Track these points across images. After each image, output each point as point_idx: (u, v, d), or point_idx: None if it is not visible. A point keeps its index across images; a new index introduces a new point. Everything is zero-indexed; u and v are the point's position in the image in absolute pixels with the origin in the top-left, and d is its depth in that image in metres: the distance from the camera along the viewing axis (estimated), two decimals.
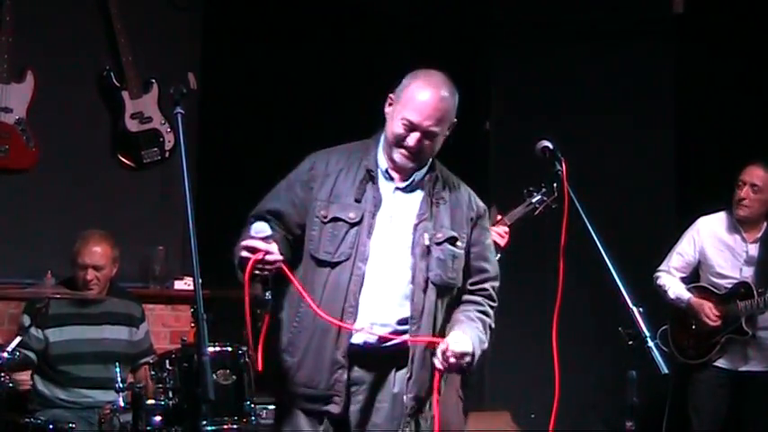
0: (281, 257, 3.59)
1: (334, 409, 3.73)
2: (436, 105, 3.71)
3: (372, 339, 3.73)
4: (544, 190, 5.45)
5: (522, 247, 5.69)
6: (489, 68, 8.04)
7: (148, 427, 5.00)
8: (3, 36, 6.27)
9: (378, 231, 3.76)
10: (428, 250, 3.76)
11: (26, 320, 5.56)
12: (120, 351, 5.76)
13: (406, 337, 3.72)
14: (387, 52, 7.35)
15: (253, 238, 3.60)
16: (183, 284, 6.86)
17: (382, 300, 3.74)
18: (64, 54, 6.64)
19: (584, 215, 3.74)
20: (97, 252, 5.76)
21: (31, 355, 5.57)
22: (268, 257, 3.56)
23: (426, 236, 3.77)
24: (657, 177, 7.66)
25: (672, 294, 6.22)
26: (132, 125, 6.83)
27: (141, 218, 6.87)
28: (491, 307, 3.93)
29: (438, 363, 3.67)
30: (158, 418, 5.03)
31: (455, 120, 3.81)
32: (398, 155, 3.77)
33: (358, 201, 3.78)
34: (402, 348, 3.74)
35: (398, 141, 3.75)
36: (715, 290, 6.15)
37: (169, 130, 6.89)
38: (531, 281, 6.19)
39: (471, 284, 3.92)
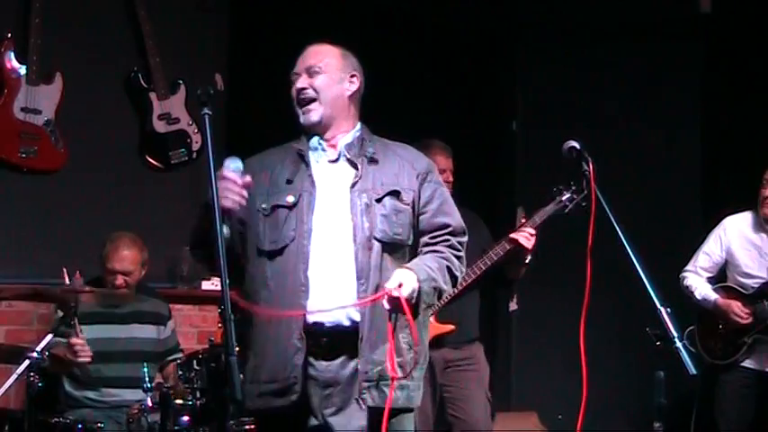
0: (245, 194, 3.62)
1: (294, 397, 3.66)
2: (314, 48, 3.94)
3: (324, 319, 3.67)
4: (574, 188, 5.44)
5: (549, 248, 5.69)
6: (516, 69, 8.03)
7: (176, 427, 5.02)
8: (31, 38, 6.31)
9: (318, 206, 3.75)
10: (368, 208, 3.74)
11: (59, 313, 5.57)
12: (148, 350, 5.79)
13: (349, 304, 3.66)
14: (414, 53, 7.36)
15: (226, 175, 3.62)
16: (211, 285, 6.87)
17: (333, 273, 3.70)
18: (92, 56, 6.67)
19: (611, 215, 3.74)
20: (127, 258, 5.78)
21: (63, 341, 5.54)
22: (235, 188, 3.60)
23: (364, 195, 3.75)
24: (684, 177, 7.63)
25: (698, 295, 6.20)
26: (160, 126, 6.85)
27: (169, 218, 6.88)
28: (453, 254, 3.82)
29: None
30: (186, 418, 5.04)
31: (353, 73, 3.94)
32: (300, 112, 3.92)
33: (290, 182, 3.81)
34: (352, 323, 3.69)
35: (295, 98, 3.92)
36: (742, 290, 6.12)
37: (196, 131, 6.91)
38: (559, 281, 6.20)
39: (431, 237, 3.84)
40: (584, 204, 3.74)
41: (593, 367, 3.69)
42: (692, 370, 3.54)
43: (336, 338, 3.69)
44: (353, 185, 3.77)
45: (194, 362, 5.15)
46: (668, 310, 3.62)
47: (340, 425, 3.67)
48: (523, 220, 5.54)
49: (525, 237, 5.41)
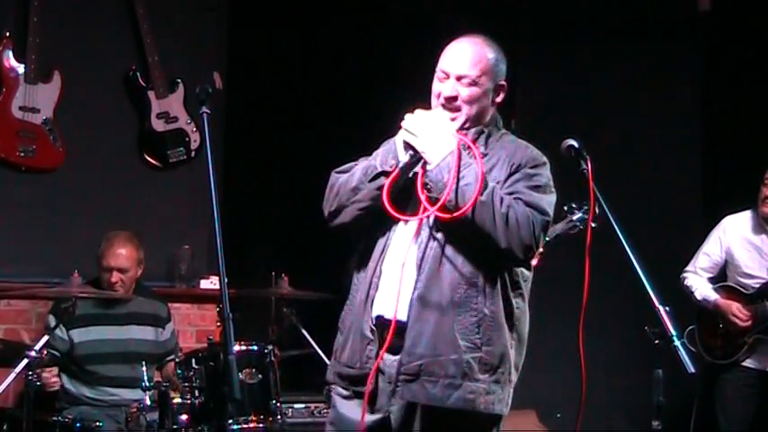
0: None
1: (364, 388, 3.56)
2: (469, 51, 3.64)
3: (385, 313, 3.57)
4: (585, 208, 5.32)
5: (548, 247, 5.68)
6: (514, 67, 8.02)
7: (175, 426, 5.02)
8: (30, 37, 6.31)
9: (414, 202, 3.60)
10: None
11: (52, 321, 5.59)
12: (146, 351, 5.78)
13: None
14: (414, 51, 7.35)
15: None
16: (209, 283, 6.88)
17: (399, 267, 3.58)
18: (90, 54, 6.68)
19: (610, 214, 3.73)
20: (122, 255, 5.78)
21: (57, 354, 5.59)
22: None
23: None
24: (684, 176, 7.62)
25: (699, 295, 6.20)
26: (158, 125, 6.85)
27: (167, 217, 6.89)
28: (526, 216, 3.47)
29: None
30: (185, 417, 5.04)
31: (502, 82, 3.72)
32: (441, 111, 3.65)
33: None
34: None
35: (437, 95, 3.66)
36: (742, 290, 6.12)
37: (195, 129, 6.91)
38: (557, 280, 6.18)
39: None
40: (594, 225, 3.66)
41: (591, 366, 3.68)
42: (690, 368, 3.53)
43: (398, 332, 3.55)
44: None
45: (193, 360, 5.14)
46: (667, 308, 3.61)
47: (400, 422, 3.57)
48: None
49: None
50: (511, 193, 3.53)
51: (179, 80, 6.89)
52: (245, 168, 7.18)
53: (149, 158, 6.89)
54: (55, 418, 5.14)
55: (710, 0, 7.54)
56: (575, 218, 5.38)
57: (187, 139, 6.93)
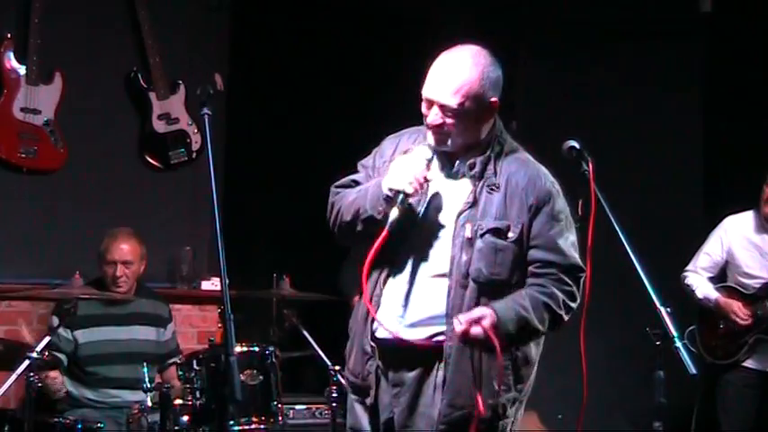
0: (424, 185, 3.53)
1: (368, 401, 3.63)
2: (450, 78, 3.48)
3: (389, 335, 3.56)
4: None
5: None
6: (516, 68, 8.02)
7: (176, 427, 5.02)
8: (31, 38, 6.31)
9: (423, 220, 3.57)
10: (470, 243, 3.50)
11: (55, 321, 5.58)
12: (147, 351, 5.77)
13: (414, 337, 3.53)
14: (415, 52, 7.34)
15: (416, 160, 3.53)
16: (211, 285, 6.88)
17: (411, 292, 3.56)
18: (92, 55, 6.68)
19: (611, 215, 3.73)
20: (126, 248, 5.80)
21: (61, 356, 5.60)
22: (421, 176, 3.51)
23: (469, 227, 3.51)
24: (685, 177, 7.62)
25: (699, 294, 6.20)
26: (159, 126, 6.85)
27: (168, 218, 6.89)
28: (558, 288, 3.52)
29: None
30: (186, 418, 5.04)
31: (492, 99, 3.55)
32: (430, 136, 3.57)
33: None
34: (435, 349, 3.53)
35: (427, 121, 3.56)
36: (743, 290, 6.12)
37: (196, 131, 6.91)
38: None
39: (537, 267, 3.55)
40: (577, 225, 3.66)
41: (593, 367, 3.68)
42: (692, 369, 3.53)
43: (400, 353, 3.57)
44: (461, 213, 3.55)
45: (194, 362, 5.14)
46: (668, 309, 3.61)
47: (403, 426, 3.59)
48: None
49: None
50: (537, 246, 3.53)
51: (180, 81, 6.88)
52: (246, 169, 7.17)
53: (150, 160, 6.88)
54: (56, 420, 5.13)
55: (712, 0, 7.54)
56: None
57: (188, 140, 6.92)
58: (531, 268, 3.55)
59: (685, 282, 6.26)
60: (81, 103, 6.55)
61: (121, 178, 6.78)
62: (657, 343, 3.68)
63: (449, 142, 3.56)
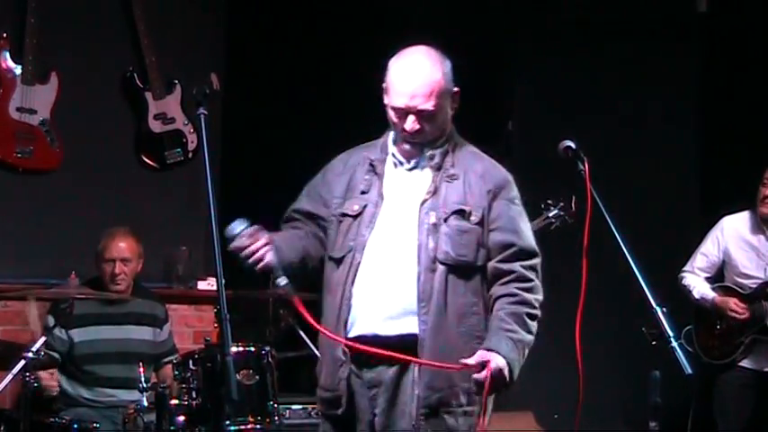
0: (263, 243, 3.66)
1: (339, 411, 3.64)
2: (419, 83, 3.62)
3: (369, 331, 3.61)
4: (562, 204, 5.38)
5: (545, 247, 5.67)
6: (512, 68, 8.02)
7: (172, 427, 5.01)
8: (27, 38, 6.31)
9: (382, 218, 3.67)
10: (435, 228, 3.61)
11: (50, 321, 5.58)
12: (143, 351, 5.77)
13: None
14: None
15: (234, 238, 3.66)
16: (207, 285, 6.87)
17: (382, 287, 3.62)
18: (88, 55, 6.67)
19: (607, 215, 3.73)
20: (124, 246, 5.80)
21: (56, 355, 5.59)
22: (252, 250, 3.66)
23: (433, 214, 3.62)
24: (682, 177, 7.62)
25: (697, 294, 6.20)
26: (155, 126, 6.85)
27: (164, 218, 6.89)
28: (525, 290, 3.65)
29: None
30: (182, 418, 5.03)
31: (455, 89, 3.72)
32: (406, 143, 3.70)
33: (365, 192, 3.72)
34: (408, 339, 3.58)
35: (399, 130, 3.69)
36: (740, 290, 6.12)
37: (192, 130, 6.91)
38: (555, 281, 6.18)
39: (499, 261, 3.65)
40: (570, 222, 3.66)
41: (589, 367, 3.68)
42: (688, 369, 3.53)
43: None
44: (423, 202, 3.66)
45: (190, 362, 5.14)
46: (664, 309, 3.61)
47: (385, 427, 3.61)
48: None
49: None
50: (498, 228, 3.65)
51: (176, 81, 6.89)
52: (242, 169, 7.17)
53: (146, 159, 6.88)
54: (52, 420, 5.14)
55: (708, 1, 7.55)
56: (551, 214, 5.45)
57: (184, 140, 6.92)
58: (493, 263, 3.66)
59: (682, 282, 6.27)
60: (77, 102, 6.55)
61: (117, 178, 6.78)
62: (653, 343, 3.68)
63: (425, 142, 3.72)
